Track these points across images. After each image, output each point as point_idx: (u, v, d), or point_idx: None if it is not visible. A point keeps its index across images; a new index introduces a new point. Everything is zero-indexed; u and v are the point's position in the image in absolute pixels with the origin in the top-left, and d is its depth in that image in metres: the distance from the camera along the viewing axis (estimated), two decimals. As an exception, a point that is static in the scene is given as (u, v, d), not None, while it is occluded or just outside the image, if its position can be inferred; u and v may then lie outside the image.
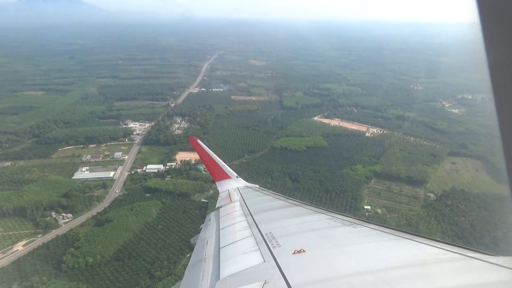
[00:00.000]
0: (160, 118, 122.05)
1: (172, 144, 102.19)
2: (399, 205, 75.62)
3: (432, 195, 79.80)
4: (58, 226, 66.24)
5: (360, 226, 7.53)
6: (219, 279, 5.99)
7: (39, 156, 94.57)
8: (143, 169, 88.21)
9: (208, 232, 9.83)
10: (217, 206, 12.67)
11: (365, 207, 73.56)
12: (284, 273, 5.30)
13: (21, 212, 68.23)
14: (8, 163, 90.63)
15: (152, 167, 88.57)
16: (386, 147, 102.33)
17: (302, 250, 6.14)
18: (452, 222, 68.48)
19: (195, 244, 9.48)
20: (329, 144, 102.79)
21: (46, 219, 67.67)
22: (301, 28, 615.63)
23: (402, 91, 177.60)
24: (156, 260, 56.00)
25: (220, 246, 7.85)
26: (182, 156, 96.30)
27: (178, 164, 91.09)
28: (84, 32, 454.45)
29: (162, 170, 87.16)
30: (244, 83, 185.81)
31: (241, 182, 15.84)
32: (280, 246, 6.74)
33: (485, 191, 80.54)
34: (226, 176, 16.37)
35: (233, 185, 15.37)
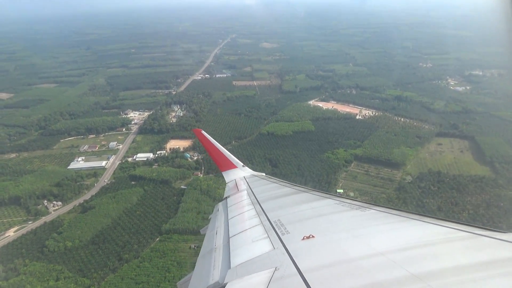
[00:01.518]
0: (159, 107, 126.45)
1: (165, 133, 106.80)
2: (373, 188, 77.28)
3: (409, 178, 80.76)
4: (48, 213, 72.48)
5: (368, 209, 7.55)
6: (230, 268, 6.13)
7: (42, 148, 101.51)
8: (134, 158, 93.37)
9: (217, 222, 10.00)
10: (224, 196, 12.94)
11: (338, 190, 75.43)
12: (294, 259, 5.41)
13: (16, 201, 74.81)
14: (13, 155, 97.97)
15: (141, 156, 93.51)
16: (374, 130, 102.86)
17: (311, 236, 6.24)
18: (420, 204, 69.67)
19: (204, 234, 9.67)
20: (317, 129, 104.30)
21: (38, 207, 74.01)
22: (320, 5, 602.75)
23: (409, 69, 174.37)
24: (127, 244, 61.01)
25: (230, 236, 8.03)
26: (173, 144, 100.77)
27: (167, 152, 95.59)
28: (103, 21, 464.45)
29: (151, 159, 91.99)
30: (249, 67, 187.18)
31: (247, 171, 15.93)
32: (289, 233, 6.86)
33: (462, 173, 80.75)
34: (232, 166, 16.40)
35: (239, 174, 15.48)
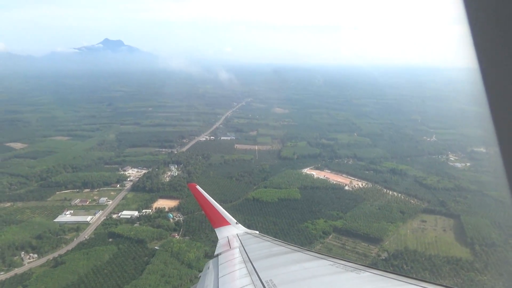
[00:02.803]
0: (156, 165, 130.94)
1: (156, 192, 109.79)
2: (345, 263, 75.99)
3: (385, 254, 79.36)
4: (22, 265, 74.37)
5: (363, 271, 7.36)
6: None
7: (36, 199, 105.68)
8: (118, 215, 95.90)
9: (206, 280, 9.84)
10: (216, 253, 12.83)
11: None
12: None
13: (-5, 251, 77.54)
14: (8, 204, 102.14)
15: (126, 213, 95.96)
16: (359, 202, 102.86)
17: None
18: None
19: None
20: (303, 197, 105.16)
21: (15, 258, 76.23)
22: (341, 73, 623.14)
23: (412, 142, 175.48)
24: (85, 303, 61.69)
25: None
26: (161, 203, 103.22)
27: (152, 211, 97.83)
28: (132, 79, 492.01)
29: (135, 217, 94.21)
30: (255, 131, 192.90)
31: (240, 228, 15.76)
32: None
33: (440, 253, 78.85)
34: (225, 222, 16.24)
35: (232, 232, 15.30)
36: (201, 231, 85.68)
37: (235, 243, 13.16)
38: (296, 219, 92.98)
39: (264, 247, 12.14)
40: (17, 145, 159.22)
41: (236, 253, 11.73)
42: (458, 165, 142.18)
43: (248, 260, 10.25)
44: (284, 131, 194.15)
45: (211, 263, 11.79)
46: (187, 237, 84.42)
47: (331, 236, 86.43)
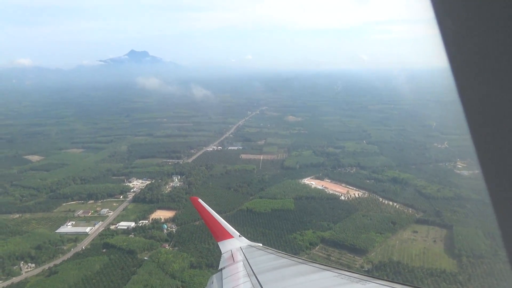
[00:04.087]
0: (160, 177, 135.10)
1: (155, 203, 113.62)
2: (327, 275, 76.72)
3: (369, 265, 79.53)
4: (19, 274, 79.12)
5: (369, 282, 7.35)
6: None
7: (43, 210, 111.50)
8: (116, 226, 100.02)
9: None
10: (220, 267, 12.78)
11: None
12: None
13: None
14: (17, 215, 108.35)
15: (123, 224, 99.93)
16: (352, 212, 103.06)
17: None
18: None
19: None
20: (296, 207, 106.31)
21: (14, 267, 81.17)
22: (362, 78, 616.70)
23: (420, 149, 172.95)
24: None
25: None
26: (158, 214, 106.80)
27: (148, 222, 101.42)
28: (154, 89, 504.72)
29: (131, 228, 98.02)
30: (263, 141, 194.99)
31: (244, 241, 15.75)
32: None
33: (426, 264, 78.38)
34: (228, 236, 16.24)
35: (235, 245, 15.27)
36: (190, 242, 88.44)
37: (239, 257, 13.10)
38: (286, 229, 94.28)
39: (268, 259, 12.12)
40: (34, 158, 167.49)
41: (240, 266, 11.72)
42: (465, 172, 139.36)
43: (252, 273, 10.25)
44: (292, 140, 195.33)
45: (214, 277, 11.84)
46: (176, 248, 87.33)
47: (318, 247, 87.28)
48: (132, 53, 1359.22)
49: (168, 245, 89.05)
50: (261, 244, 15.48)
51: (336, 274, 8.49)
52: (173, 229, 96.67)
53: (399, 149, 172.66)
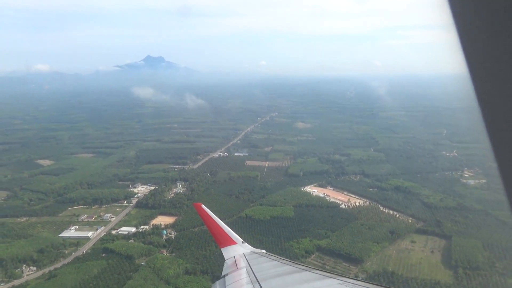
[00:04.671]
0: (164, 182, 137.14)
1: (157, 208, 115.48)
2: (320, 284, 76.98)
3: (363, 275, 79.42)
4: (21, 277, 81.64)
5: None
6: None
7: (49, 214, 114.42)
8: (117, 231, 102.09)
9: None
10: (223, 274, 12.76)
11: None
12: None
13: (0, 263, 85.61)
14: (24, 219, 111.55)
15: (124, 230, 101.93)
16: (351, 221, 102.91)
17: None
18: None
19: None
20: (295, 215, 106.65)
21: (16, 270, 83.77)
22: (377, 84, 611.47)
23: (427, 157, 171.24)
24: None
25: None
26: (159, 220, 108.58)
27: (149, 228, 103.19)
28: (167, 94, 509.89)
29: (132, 233, 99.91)
30: (270, 147, 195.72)
31: (247, 248, 15.92)
32: None
33: (422, 275, 77.85)
34: (231, 242, 16.43)
35: (239, 251, 15.36)
36: (187, 248, 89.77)
37: (242, 263, 13.05)
38: (283, 237, 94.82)
39: (271, 266, 12.04)
40: (46, 162, 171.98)
41: (243, 273, 11.66)
42: (471, 182, 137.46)
43: (256, 280, 10.25)
44: (299, 147, 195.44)
45: (217, 284, 11.85)
46: (173, 254, 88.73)
47: (314, 255, 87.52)
48: (148, 58, 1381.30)
49: (166, 251, 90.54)
50: (264, 251, 15.55)
51: (340, 282, 8.45)
52: (172, 235, 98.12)
53: (406, 157, 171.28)
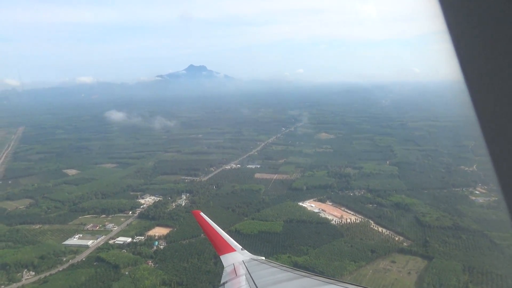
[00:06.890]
0: (170, 194, 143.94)
1: (156, 220, 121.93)
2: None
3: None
4: (19, 281, 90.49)
5: None
6: None
7: (61, 222, 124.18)
8: (114, 240, 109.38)
9: None
10: (222, 281, 12.80)
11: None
12: None
13: (4, 267, 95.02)
14: (37, 226, 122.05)
15: (121, 240, 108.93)
16: (336, 238, 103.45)
17: None
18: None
19: None
20: (283, 231, 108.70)
21: (17, 274, 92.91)
22: (417, 91, 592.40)
23: (442, 172, 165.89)
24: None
25: None
26: (156, 231, 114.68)
27: (144, 239, 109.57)
28: (203, 104, 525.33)
29: (127, 243, 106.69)
30: (284, 159, 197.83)
31: (246, 255, 15.95)
32: None
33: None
34: (230, 249, 16.55)
35: (238, 259, 15.41)
36: (170, 260, 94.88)
37: (241, 271, 13.20)
38: (264, 252, 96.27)
39: (271, 273, 12.12)
40: (72, 172, 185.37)
41: (243, 280, 11.80)
42: (480, 200, 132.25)
43: (255, 287, 10.34)
44: (313, 159, 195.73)
45: None
46: (157, 265, 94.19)
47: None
48: (190, 67, 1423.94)
49: (151, 262, 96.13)
50: (263, 258, 16.01)
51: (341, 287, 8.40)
52: (161, 246, 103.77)
53: (418, 172, 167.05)
